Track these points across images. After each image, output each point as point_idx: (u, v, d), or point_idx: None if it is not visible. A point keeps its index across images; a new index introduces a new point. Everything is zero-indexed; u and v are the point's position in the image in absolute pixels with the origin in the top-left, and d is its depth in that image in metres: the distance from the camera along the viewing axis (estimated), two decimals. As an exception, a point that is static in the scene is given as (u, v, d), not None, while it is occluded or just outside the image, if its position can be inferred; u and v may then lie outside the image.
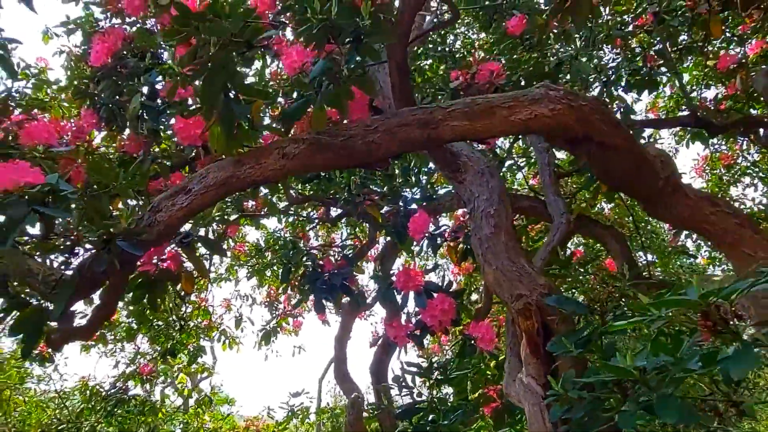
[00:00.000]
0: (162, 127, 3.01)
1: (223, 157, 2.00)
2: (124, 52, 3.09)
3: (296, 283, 3.83)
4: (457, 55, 3.85)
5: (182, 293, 2.88)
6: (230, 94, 1.89)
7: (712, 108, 4.56)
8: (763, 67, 4.26)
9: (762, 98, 4.10)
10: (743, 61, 4.53)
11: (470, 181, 2.49)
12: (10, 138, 2.69)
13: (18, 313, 1.96)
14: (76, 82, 3.39)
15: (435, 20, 3.16)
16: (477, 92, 3.26)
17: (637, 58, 3.46)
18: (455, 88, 3.30)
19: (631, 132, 1.98)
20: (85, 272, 1.89)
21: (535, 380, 2.05)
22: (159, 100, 2.95)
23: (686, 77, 5.80)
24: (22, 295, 1.96)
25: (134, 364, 5.65)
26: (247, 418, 8.45)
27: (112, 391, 5.45)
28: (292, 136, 1.89)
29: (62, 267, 1.95)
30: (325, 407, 8.07)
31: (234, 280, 6.85)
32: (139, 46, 3.11)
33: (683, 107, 6.49)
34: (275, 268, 5.92)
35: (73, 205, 1.87)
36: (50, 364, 4.60)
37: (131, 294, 2.14)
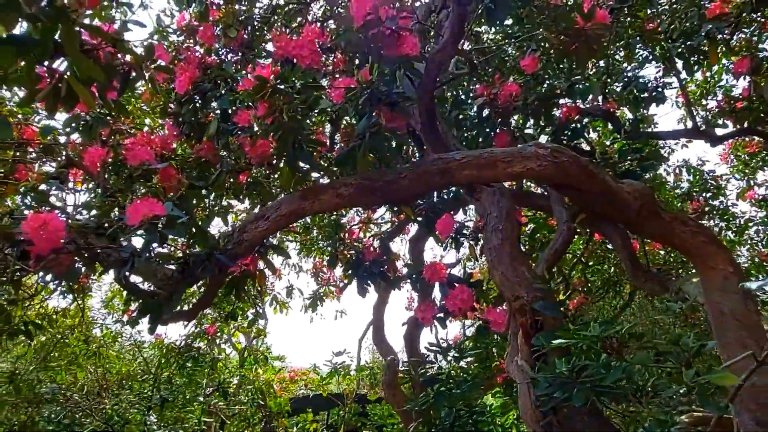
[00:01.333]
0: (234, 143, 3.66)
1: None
2: (201, 82, 3.73)
3: (341, 264, 4.53)
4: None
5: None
6: (297, 145, 2.51)
7: (728, 108, 4.87)
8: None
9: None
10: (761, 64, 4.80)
11: (485, 199, 3.06)
12: (120, 158, 3.41)
13: (143, 302, 2.71)
14: (162, 103, 4.07)
15: (456, 66, 3.64)
16: (497, 111, 3.78)
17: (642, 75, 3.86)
18: (479, 105, 3.82)
19: (605, 176, 2.49)
20: (193, 276, 2.61)
21: (527, 363, 2.67)
22: (230, 122, 3.60)
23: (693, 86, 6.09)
24: (149, 289, 2.71)
25: (201, 326, 6.55)
26: (296, 371, 9.45)
27: (183, 347, 6.39)
28: (344, 179, 2.51)
29: (176, 272, 2.67)
30: (364, 365, 8.93)
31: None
32: (213, 76, 3.74)
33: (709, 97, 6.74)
34: (321, 244, 6.66)
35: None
36: (136, 326, 5.49)
37: (223, 289, 2.86)
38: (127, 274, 2.61)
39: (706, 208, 6.95)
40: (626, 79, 4.18)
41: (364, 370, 8.98)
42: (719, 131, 4.70)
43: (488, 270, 3.01)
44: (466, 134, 4.08)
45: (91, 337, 5.68)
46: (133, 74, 2.25)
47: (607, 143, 4.42)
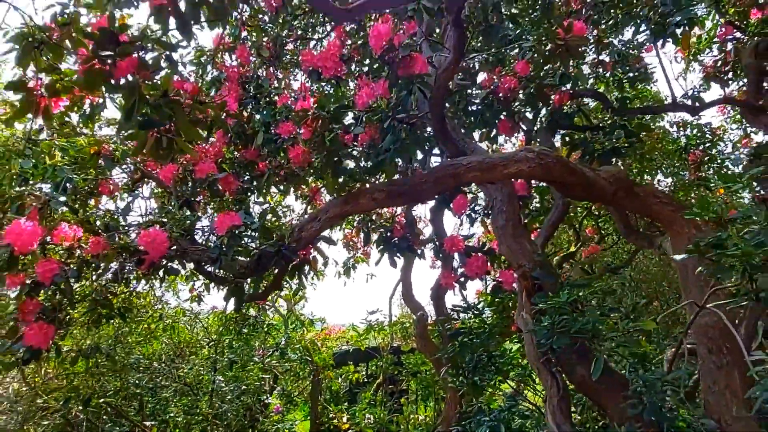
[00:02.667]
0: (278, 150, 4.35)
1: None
2: (243, 98, 4.38)
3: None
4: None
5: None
6: (338, 161, 3.20)
7: (713, 73, 5.36)
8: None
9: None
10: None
11: (491, 186, 3.73)
12: (186, 173, 4.14)
13: (230, 288, 3.49)
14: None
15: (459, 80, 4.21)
16: (499, 100, 4.37)
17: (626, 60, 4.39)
18: (483, 96, 4.42)
19: (583, 170, 3.13)
20: (265, 267, 3.37)
21: (529, 317, 3.41)
22: (273, 132, 4.27)
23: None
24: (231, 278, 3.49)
25: (251, 297, 7.42)
26: (333, 329, 10.43)
27: (239, 316, 7.31)
28: (376, 186, 3.21)
29: (251, 264, 3.43)
30: (396, 321, 9.84)
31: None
32: (254, 93, 4.39)
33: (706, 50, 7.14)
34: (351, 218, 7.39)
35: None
36: (200, 301, 6.41)
37: (288, 274, 3.63)
38: (215, 268, 3.41)
39: (706, 158, 7.45)
40: (615, 58, 4.71)
41: (396, 324, 9.90)
42: (707, 96, 5.21)
43: (497, 243, 3.71)
44: (473, 120, 4.68)
45: (164, 314, 6.60)
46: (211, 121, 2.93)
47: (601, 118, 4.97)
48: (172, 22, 2.58)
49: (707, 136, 7.23)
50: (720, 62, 5.60)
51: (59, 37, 2.52)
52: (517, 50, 3.83)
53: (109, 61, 2.30)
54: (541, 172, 2.98)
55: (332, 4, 3.02)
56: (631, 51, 4.98)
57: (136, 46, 2.39)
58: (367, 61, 4.34)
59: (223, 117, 4.36)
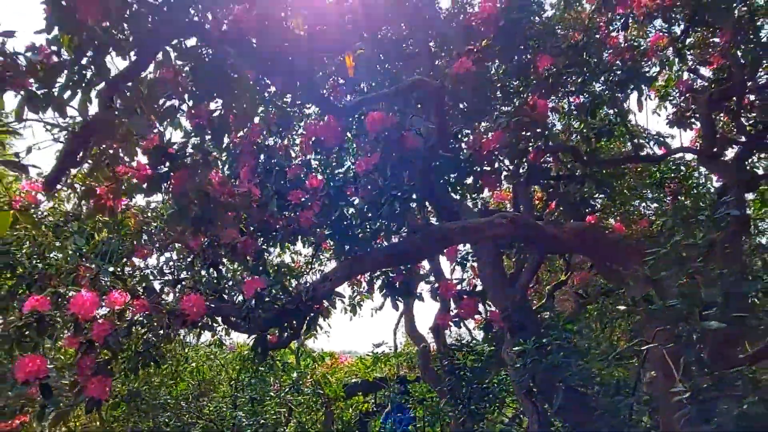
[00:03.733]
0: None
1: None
2: (257, 169, 5.04)
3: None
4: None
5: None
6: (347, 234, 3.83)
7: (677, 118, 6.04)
8: None
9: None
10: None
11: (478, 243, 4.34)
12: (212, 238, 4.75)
13: (257, 339, 4.08)
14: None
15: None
16: (482, 158, 5.00)
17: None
18: (468, 156, 5.07)
19: (551, 230, 3.74)
20: (285, 321, 3.97)
21: (513, 352, 3.98)
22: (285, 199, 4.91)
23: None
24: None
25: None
26: (338, 358, 10.94)
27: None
28: (378, 251, 3.82)
29: (272, 318, 4.02)
30: (401, 351, 10.36)
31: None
32: (266, 166, 5.05)
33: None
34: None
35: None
36: (221, 345, 6.99)
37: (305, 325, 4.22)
38: (241, 323, 4.01)
39: (682, 189, 8.06)
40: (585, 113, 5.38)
41: (401, 355, 10.42)
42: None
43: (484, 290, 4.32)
44: (459, 178, 5.32)
45: (189, 357, 7.19)
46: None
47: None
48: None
49: (681, 168, 7.85)
50: (680, 110, 6.25)
51: (119, 149, 3.18)
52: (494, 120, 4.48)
53: (163, 171, 2.96)
54: (514, 233, 3.60)
55: (332, 103, 3.69)
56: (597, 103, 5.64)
57: (181, 155, 3.04)
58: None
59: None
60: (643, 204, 8.74)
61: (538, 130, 4.28)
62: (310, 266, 7.95)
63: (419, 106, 4.36)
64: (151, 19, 2.56)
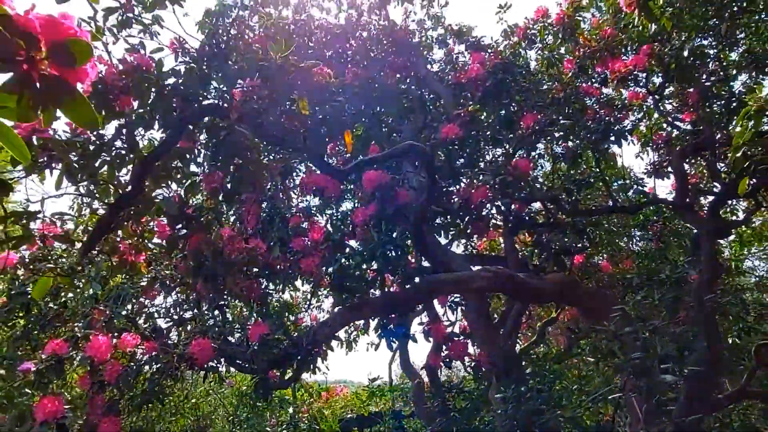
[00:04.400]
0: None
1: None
2: (260, 218, 5.39)
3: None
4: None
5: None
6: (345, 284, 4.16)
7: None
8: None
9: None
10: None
11: (466, 295, 4.67)
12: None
13: (259, 379, 4.36)
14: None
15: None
16: (471, 207, 5.37)
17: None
18: (458, 205, 5.44)
19: (531, 282, 4.08)
20: (287, 363, 4.26)
21: (498, 396, 4.26)
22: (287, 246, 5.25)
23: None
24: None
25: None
26: (339, 389, 11.11)
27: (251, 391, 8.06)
28: (373, 299, 4.15)
29: (275, 361, 4.31)
30: (396, 386, 10.55)
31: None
32: (270, 214, 5.41)
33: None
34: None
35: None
36: (222, 381, 7.21)
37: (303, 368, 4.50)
38: (247, 365, 4.30)
39: (665, 229, 8.44)
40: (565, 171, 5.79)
41: (396, 389, 10.60)
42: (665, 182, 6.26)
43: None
44: (452, 223, 5.68)
45: (190, 393, 7.40)
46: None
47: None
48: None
49: (664, 209, 8.25)
50: (658, 161, 6.69)
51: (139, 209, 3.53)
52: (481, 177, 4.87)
53: (182, 232, 3.30)
54: (497, 286, 3.94)
55: (332, 166, 4.07)
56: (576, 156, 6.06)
57: (197, 215, 3.39)
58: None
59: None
60: (631, 242, 9.14)
61: (521, 185, 4.66)
62: (308, 303, 8.25)
63: (415, 162, 4.74)
64: (175, 102, 2.94)
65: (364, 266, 4.24)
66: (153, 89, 2.85)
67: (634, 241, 8.97)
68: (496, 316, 6.11)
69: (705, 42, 5.98)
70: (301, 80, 2.82)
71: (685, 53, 5.19)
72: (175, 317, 5.43)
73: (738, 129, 2.48)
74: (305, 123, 3.22)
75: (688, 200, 5.84)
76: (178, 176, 3.14)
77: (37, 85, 0.93)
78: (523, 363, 4.83)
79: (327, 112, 3.32)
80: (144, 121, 2.79)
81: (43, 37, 0.92)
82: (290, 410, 9.14)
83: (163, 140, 2.86)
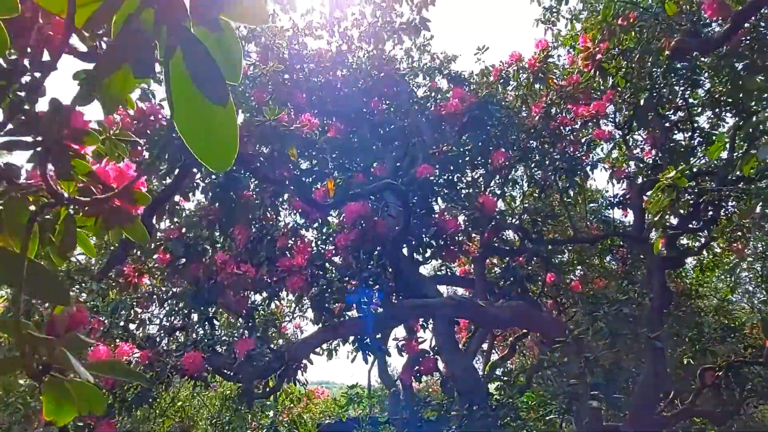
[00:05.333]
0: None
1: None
2: (251, 237, 5.84)
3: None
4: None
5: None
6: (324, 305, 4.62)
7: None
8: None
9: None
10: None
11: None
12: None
13: (243, 389, 4.79)
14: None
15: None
16: (445, 234, 5.86)
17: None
18: (434, 232, 5.92)
19: (492, 309, 4.58)
20: (269, 374, 4.70)
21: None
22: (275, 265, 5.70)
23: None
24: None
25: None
26: (319, 392, 11.54)
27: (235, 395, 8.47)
28: (351, 321, 4.61)
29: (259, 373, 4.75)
30: (374, 393, 11.01)
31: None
32: (260, 234, 5.85)
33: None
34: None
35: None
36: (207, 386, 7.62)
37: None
38: (233, 375, 4.74)
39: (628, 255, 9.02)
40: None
41: (374, 396, 11.07)
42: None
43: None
44: (427, 250, 6.17)
45: (176, 396, 7.80)
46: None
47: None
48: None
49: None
50: (620, 195, 7.24)
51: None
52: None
53: (182, 261, 3.74)
54: (461, 313, 4.43)
55: (317, 201, 4.53)
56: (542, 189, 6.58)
57: (193, 244, 3.84)
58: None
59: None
60: (602, 262, 9.70)
61: (488, 220, 5.17)
62: (292, 313, 8.70)
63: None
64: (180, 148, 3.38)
65: (343, 290, 4.71)
66: (163, 137, 3.29)
67: (605, 260, 9.56)
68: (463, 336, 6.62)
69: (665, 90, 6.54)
70: (291, 136, 3.28)
71: (642, 102, 5.72)
72: (167, 325, 5.86)
73: (654, 199, 2.99)
74: (292, 172, 3.68)
75: (642, 234, 6.38)
76: (180, 212, 3.58)
77: (108, 212, 1.40)
78: (493, 376, 5.34)
79: (312, 164, 3.79)
80: (154, 167, 3.23)
81: (114, 182, 1.39)
82: (270, 413, 9.56)
83: (169, 184, 3.31)
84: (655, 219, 3.11)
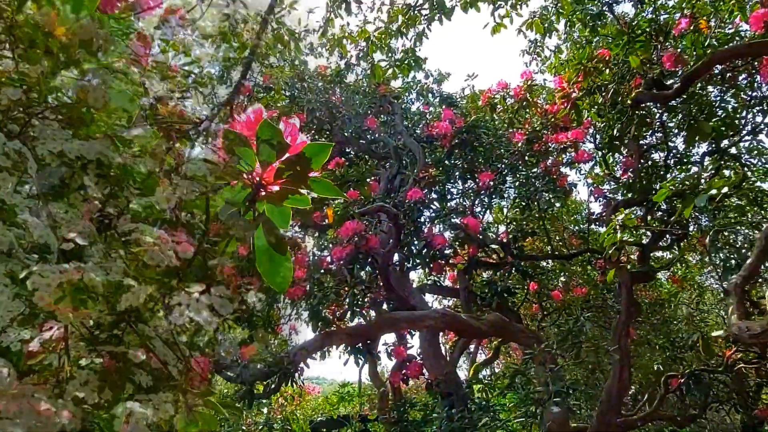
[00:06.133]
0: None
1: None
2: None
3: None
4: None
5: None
6: (320, 315, 5.10)
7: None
8: None
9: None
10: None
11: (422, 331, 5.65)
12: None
13: (245, 391, 5.26)
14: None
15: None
16: (433, 249, 6.35)
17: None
18: (421, 246, 6.41)
19: (471, 321, 5.06)
20: (269, 378, 5.17)
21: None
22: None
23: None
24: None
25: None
26: (312, 388, 12.02)
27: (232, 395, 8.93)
28: (344, 330, 5.08)
29: (258, 377, 5.22)
30: (364, 391, 11.52)
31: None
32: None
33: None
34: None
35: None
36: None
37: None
38: (235, 377, 5.21)
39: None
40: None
41: (365, 395, 11.57)
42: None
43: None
44: (416, 262, 6.65)
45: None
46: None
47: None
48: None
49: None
50: (597, 213, 7.77)
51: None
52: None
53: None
54: (444, 325, 4.93)
55: (316, 223, 4.99)
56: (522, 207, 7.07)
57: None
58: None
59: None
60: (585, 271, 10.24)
61: (472, 239, 5.67)
62: (288, 316, 9.17)
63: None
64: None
65: (338, 299, 5.19)
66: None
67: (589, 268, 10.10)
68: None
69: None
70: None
71: (615, 132, 6.21)
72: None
73: (607, 237, 3.47)
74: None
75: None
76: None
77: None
78: (476, 379, 5.85)
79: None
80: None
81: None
82: (264, 411, 10.04)
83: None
84: (610, 252, 3.60)
